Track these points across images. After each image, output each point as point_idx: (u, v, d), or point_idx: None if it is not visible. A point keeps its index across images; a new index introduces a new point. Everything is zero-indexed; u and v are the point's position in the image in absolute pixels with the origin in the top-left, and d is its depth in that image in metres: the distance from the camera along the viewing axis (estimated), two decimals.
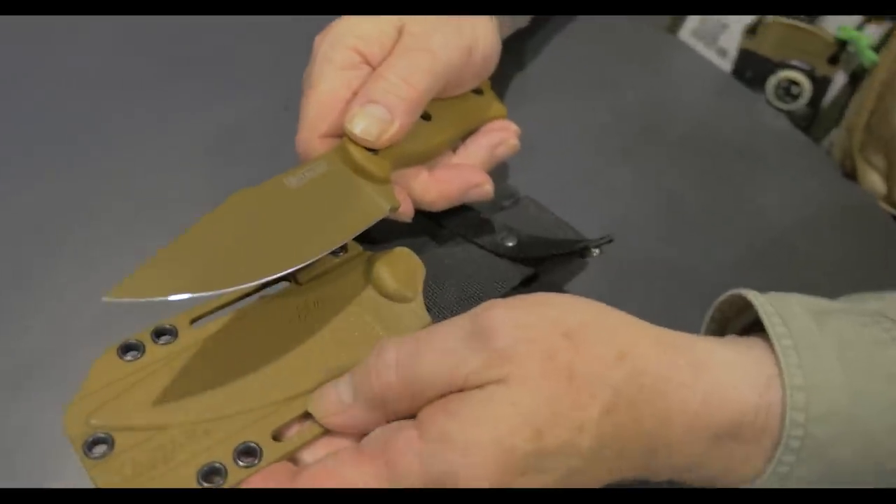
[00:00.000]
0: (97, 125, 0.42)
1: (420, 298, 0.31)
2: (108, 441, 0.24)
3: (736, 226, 0.44)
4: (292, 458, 0.26)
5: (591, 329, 0.25)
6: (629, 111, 0.48)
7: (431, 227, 0.38)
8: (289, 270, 0.27)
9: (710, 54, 0.53)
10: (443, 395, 0.24)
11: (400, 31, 0.34)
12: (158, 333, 0.28)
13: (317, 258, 0.28)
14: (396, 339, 0.26)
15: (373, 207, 0.31)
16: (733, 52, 0.52)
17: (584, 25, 0.54)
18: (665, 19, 0.57)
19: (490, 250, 0.37)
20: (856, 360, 0.27)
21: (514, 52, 0.50)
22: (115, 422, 0.25)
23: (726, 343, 0.28)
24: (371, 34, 0.33)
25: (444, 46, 0.34)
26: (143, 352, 0.27)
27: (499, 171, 0.43)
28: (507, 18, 0.43)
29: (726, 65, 0.53)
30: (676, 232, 0.43)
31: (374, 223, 0.30)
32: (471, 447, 0.23)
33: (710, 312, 0.32)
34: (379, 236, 0.36)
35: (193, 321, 0.29)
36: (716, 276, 0.41)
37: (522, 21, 0.47)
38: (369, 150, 0.32)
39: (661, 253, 0.42)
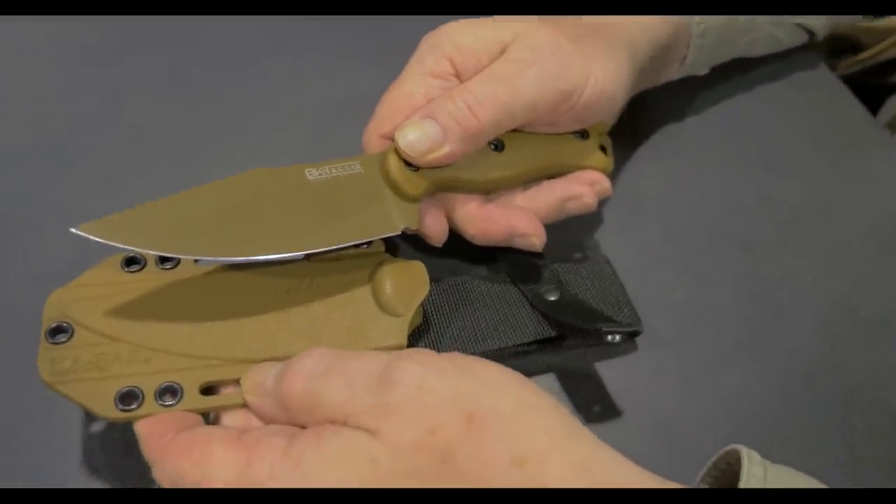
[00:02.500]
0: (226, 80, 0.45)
1: (408, 318, 0.30)
2: (68, 332, 0.27)
3: (843, 380, 0.36)
4: (215, 416, 0.28)
5: (501, 420, 0.23)
6: (783, 202, 0.42)
7: (489, 252, 0.37)
8: (259, 258, 0.28)
9: None
10: (331, 422, 0.24)
11: (503, 51, 0.33)
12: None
13: (295, 256, 0.28)
14: (324, 350, 0.26)
15: (385, 223, 0.30)
16: None
17: (785, 92, 0.47)
18: (891, 113, 0.48)
19: (527, 298, 0.34)
20: None
21: (682, 98, 0.45)
22: (83, 318, 0.28)
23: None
24: (470, 46, 0.32)
25: (535, 84, 0.31)
26: (143, 268, 0.30)
27: (589, 220, 0.40)
28: (657, 66, 0.39)
29: None
30: (760, 351, 0.36)
31: (378, 238, 0.30)
32: (312, 481, 0.22)
33: (712, 460, 0.28)
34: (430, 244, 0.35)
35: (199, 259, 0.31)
36: (783, 419, 0.34)
37: (681, 70, 0.42)
38: (410, 165, 0.31)
39: (727, 368, 0.36)
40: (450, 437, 0.22)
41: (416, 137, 0.30)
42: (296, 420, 0.25)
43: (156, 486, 0.25)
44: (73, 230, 0.25)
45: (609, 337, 0.31)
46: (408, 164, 0.31)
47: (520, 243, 0.33)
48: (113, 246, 0.26)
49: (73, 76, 0.45)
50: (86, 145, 0.41)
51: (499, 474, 0.22)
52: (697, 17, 0.39)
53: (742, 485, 0.24)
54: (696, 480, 0.28)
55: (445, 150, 0.30)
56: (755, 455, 0.25)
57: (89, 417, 0.31)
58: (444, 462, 0.22)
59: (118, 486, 0.30)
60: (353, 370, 0.24)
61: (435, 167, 0.31)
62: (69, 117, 0.43)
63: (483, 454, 0.22)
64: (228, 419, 0.27)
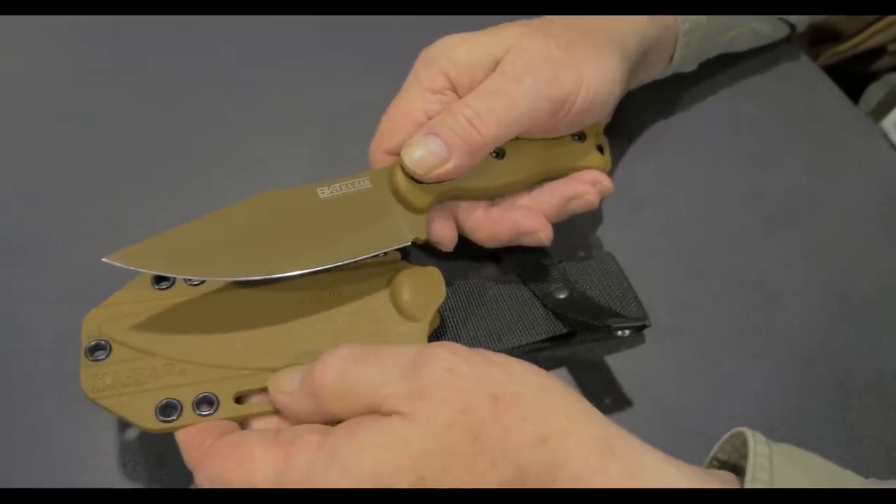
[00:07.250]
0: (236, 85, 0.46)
1: (426, 322, 0.31)
2: (106, 349, 0.28)
3: (838, 368, 0.38)
4: (245, 421, 0.29)
5: (524, 402, 0.25)
6: (771, 193, 0.44)
7: (497, 254, 0.38)
8: (279, 275, 0.29)
9: None
10: (365, 411, 0.25)
11: (496, 64, 0.34)
12: None
13: (313, 271, 0.30)
14: (353, 346, 0.27)
15: (395, 235, 0.32)
16: None
17: (769, 85, 0.49)
18: (873, 101, 0.50)
19: (538, 297, 0.36)
20: None
21: (670, 96, 0.47)
22: (119, 335, 0.29)
23: (688, 471, 0.26)
24: (464, 61, 0.33)
25: (530, 94, 0.32)
26: (172, 285, 0.31)
27: (590, 220, 0.41)
28: (646, 65, 0.41)
29: None
30: (757, 337, 0.38)
31: (389, 250, 0.31)
32: (350, 471, 0.23)
33: (718, 443, 0.29)
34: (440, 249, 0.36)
35: None
36: (784, 402, 0.36)
37: (673, 67, 0.44)
38: (416, 179, 0.32)
39: (728, 356, 0.37)
40: (479, 416, 0.24)
41: (421, 155, 0.31)
42: (327, 410, 0.26)
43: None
44: (104, 259, 0.26)
45: (619, 332, 0.33)
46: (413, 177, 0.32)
47: (527, 241, 0.35)
48: (143, 272, 0.27)
49: (68, 96, 0.45)
50: (86, 165, 0.42)
51: (525, 451, 0.24)
52: (683, 16, 0.40)
53: (750, 462, 0.25)
54: (705, 463, 0.30)
55: (451, 165, 0.31)
56: (759, 436, 0.27)
57: (122, 430, 0.32)
58: (475, 440, 0.24)
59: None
60: (385, 358, 0.26)
61: (439, 182, 0.32)
62: (65, 135, 0.43)
63: (510, 433, 0.24)
64: (258, 425, 0.29)
